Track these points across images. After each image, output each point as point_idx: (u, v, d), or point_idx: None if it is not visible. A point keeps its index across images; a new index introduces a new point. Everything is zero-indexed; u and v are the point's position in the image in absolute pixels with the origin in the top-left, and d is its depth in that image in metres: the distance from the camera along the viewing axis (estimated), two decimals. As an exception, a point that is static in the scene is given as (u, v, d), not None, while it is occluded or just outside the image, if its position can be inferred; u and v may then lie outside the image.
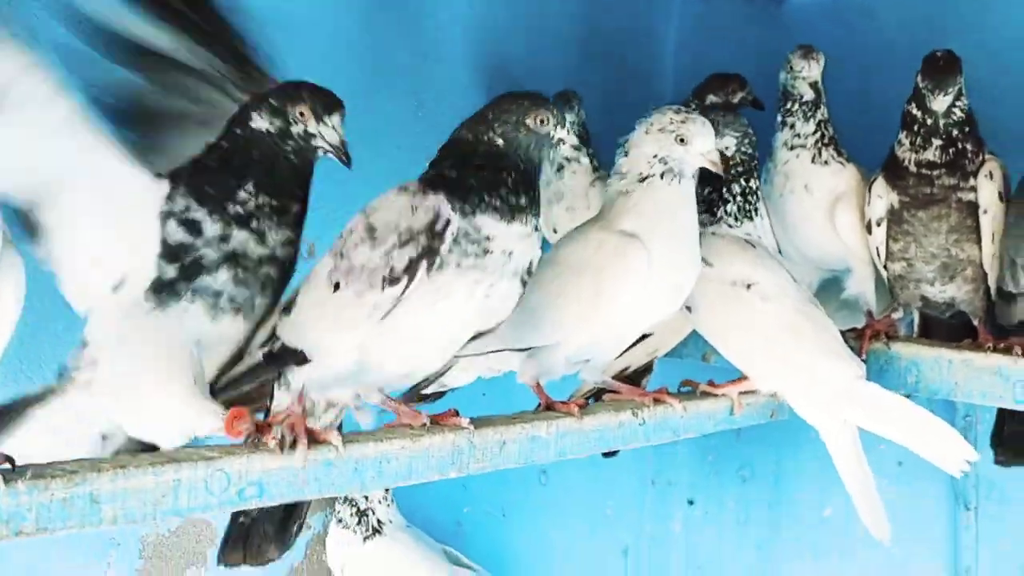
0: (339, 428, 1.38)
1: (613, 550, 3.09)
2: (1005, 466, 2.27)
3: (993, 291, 1.97)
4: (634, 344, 2.09)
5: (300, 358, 1.33)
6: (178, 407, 1.22)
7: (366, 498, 2.17)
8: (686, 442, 3.07)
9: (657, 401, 1.68)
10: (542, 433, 1.48)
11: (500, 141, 1.33)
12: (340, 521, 2.17)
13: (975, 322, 1.99)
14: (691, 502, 3.08)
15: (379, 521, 2.16)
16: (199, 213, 1.25)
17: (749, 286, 1.78)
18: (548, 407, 1.55)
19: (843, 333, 1.89)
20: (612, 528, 3.08)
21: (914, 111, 1.93)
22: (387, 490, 2.19)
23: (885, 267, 2.04)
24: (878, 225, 1.99)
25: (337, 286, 1.29)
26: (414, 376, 1.46)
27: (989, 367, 1.83)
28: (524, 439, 1.46)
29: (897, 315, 2.05)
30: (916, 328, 2.12)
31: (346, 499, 2.16)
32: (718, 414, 1.80)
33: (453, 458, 1.35)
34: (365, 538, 2.14)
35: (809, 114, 2.06)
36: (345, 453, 1.23)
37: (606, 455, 2.20)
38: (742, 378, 1.85)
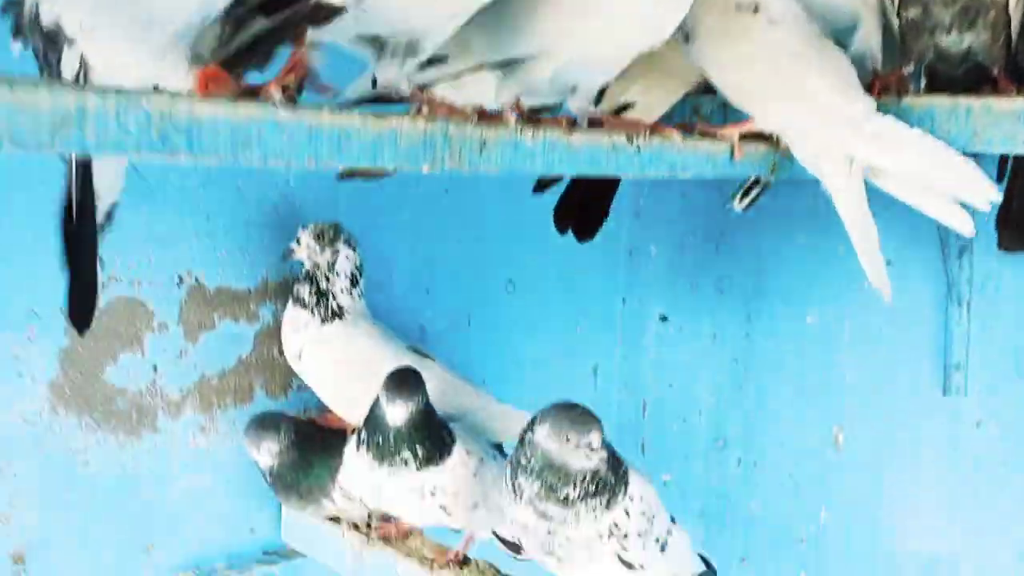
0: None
1: (583, 368, 2.95)
2: (1010, 251, 2.13)
3: (1015, 39, 1.78)
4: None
5: None
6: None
7: (327, 278, 1.97)
8: (660, 256, 2.92)
9: (653, 132, 1.48)
10: (527, 140, 1.27)
11: None
12: (298, 301, 1.97)
13: (994, 71, 1.80)
14: (664, 318, 2.93)
15: (340, 307, 1.97)
16: None
17: (756, 8, 1.57)
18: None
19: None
20: (582, 345, 2.93)
21: None
22: (353, 280, 1.99)
23: (898, 14, 1.83)
24: (893, -36, 1.78)
25: None
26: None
27: (1013, 111, 1.65)
28: (507, 143, 1.25)
29: (907, 69, 1.85)
30: (923, 87, 1.92)
31: (307, 276, 1.96)
32: (717, 157, 1.60)
33: (425, 149, 1.14)
34: (323, 320, 1.95)
35: None
36: (294, 116, 1.01)
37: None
38: (744, 121, 1.66)
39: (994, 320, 2.27)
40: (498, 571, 1.90)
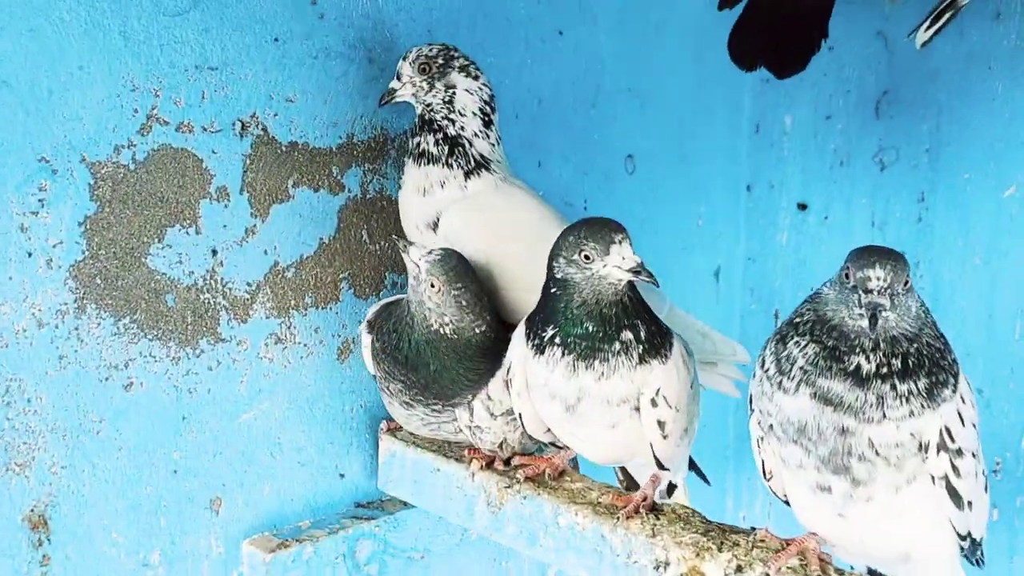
0: None
1: (703, 270, 2.42)
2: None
3: None
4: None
5: None
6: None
7: (451, 120, 1.42)
8: (798, 128, 2.38)
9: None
10: None
11: None
12: (423, 156, 1.42)
13: None
14: (803, 206, 2.39)
15: (481, 155, 1.42)
16: None
17: None
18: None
19: None
20: (702, 243, 2.39)
21: None
22: (486, 118, 1.45)
23: None
24: None
25: None
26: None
27: None
28: None
29: None
30: None
31: (425, 123, 1.42)
32: None
33: None
34: (467, 173, 1.40)
35: None
36: None
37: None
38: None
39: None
40: (706, 518, 1.37)
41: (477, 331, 1.39)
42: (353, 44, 1.54)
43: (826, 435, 1.13)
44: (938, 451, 1.13)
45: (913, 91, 2.19)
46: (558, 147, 1.96)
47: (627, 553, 1.34)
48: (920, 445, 1.12)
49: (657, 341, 1.29)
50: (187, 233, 1.37)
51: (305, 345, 1.54)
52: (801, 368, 1.14)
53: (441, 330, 1.39)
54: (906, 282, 1.11)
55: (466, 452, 1.52)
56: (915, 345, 1.11)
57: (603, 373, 1.27)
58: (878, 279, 1.09)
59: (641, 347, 1.27)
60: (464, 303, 1.38)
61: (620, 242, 1.23)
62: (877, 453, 1.12)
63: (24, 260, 1.22)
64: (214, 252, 1.41)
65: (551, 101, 1.93)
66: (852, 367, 1.11)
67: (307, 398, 1.55)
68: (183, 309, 1.38)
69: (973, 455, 1.16)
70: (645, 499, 1.38)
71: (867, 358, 1.11)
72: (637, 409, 1.30)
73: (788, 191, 2.40)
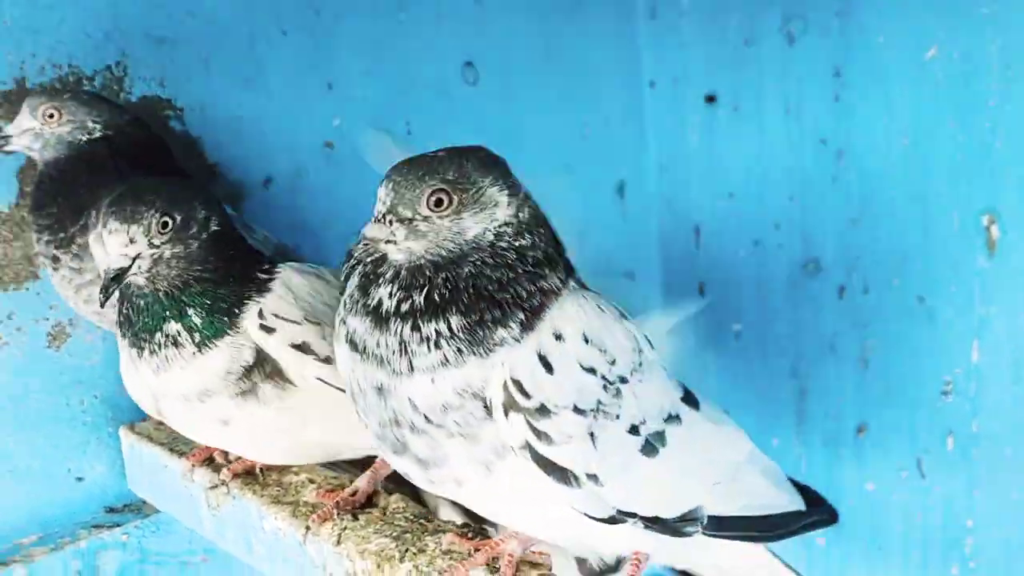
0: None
1: (603, 188, 2.07)
2: None
3: None
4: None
5: None
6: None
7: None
8: (694, 9, 1.99)
9: None
10: None
11: None
12: None
13: None
14: (711, 98, 2.01)
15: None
16: None
17: None
18: None
19: None
20: (597, 156, 2.04)
21: None
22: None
23: None
24: None
25: None
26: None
27: None
28: None
29: None
30: None
31: None
32: None
33: None
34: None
35: None
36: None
37: None
38: None
39: None
40: (423, 514, 1.08)
41: None
42: (2, -33, 1.26)
43: (368, 397, 0.88)
44: (506, 412, 0.84)
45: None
46: (357, 63, 1.65)
47: (323, 565, 1.07)
48: (485, 404, 0.84)
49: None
50: None
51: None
52: (344, 304, 0.89)
53: None
54: (440, 201, 0.86)
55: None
56: (448, 274, 0.87)
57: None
58: (381, 202, 0.82)
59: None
60: None
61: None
62: (428, 420, 0.85)
63: None
64: None
65: (335, 11, 1.61)
66: (373, 302, 0.87)
67: (9, 397, 1.32)
68: None
69: (583, 410, 0.86)
70: (355, 494, 1.10)
71: (389, 292, 0.87)
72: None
73: (694, 82, 2.02)
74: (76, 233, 1.17)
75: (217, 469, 1.22)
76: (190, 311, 1.01)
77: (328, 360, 1.02)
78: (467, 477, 0.88)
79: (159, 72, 1.42)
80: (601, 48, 2.02)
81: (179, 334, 1.02)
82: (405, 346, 0.86)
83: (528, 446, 0.85)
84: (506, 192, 0.89)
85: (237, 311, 1.02)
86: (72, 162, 1.19)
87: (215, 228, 1.03)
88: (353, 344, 0.89)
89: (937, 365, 1.72)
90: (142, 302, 1.02)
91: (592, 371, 0.87)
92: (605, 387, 0.88)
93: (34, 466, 1.34)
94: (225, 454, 1.23)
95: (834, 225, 1.84)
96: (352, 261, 0.92)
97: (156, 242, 0.99)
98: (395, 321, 0.86)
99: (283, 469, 1.20)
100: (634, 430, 0.90)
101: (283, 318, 1.03)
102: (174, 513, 1.31)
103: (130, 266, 0.98)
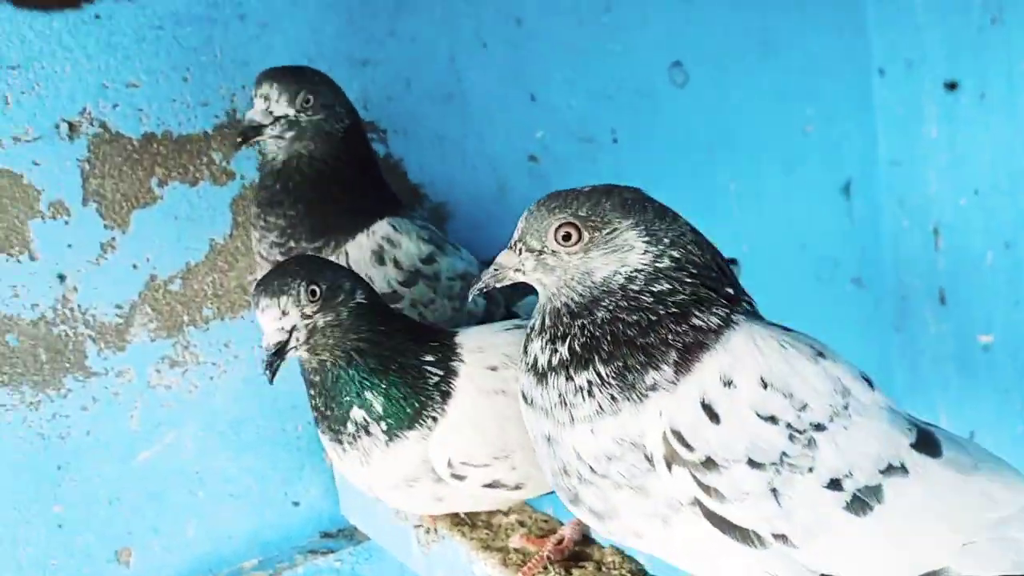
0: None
1: (826, 186, 1.91)
2: None
3: None
4: None
5: None
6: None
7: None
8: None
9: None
10: None
11: None
12: None
13: None
14: (952, 85, 1.81)
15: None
16: None
17: None
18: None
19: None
20: (820, 152, 1.89)
21: None
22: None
23: None
24: None
25: None
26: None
27: None
28: None
29: None
30: None
31: None
32: None
33: None
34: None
35: None
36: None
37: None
38: None
39: None
40: (641, 569, 1.00)
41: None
42: (213, 2, 1.28)
43: (541, 447, 0.86)
44: (668, 465, 0.76)
45: None
46: (558, 72, 1.58)
47: (533, 618, 1.01)
48: (647, 456, 0.79)
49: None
50: (19, 262, 1.20)
51: (214, 364, 1.33)
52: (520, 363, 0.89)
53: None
54: (568, 235, 0.83)
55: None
56: (583, 321, 0.83)
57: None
58: (517, 229, 0.85)
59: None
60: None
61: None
62: (593, 471, 0.81)
63: None
64: (61, 278, 1.23)
65: (537, 18, 1.55)
66: (531, 359, 0.86)
67: (228, 422, 1.34)
68: (32, 347, 1.21)
69: (760, 463, 0.76)
70: (561, 543, 1.03)
71: (540, 347, 0.85)
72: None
73: (931, 68, 1.82)
74: (309, 251, 1.16)
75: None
76: (368, 395, 0.98)
77: (519, 487, 1.00)
78: (644, 530, 0.81)
79: (362, 95, 1.41)
80: (824, 35, 1.86)
81: (367, 423, 0.99)
82: (563, 397, 0.82)
83: (698, 502, 0.77)
84: (645, 238, 0.83)
85: (417, 404, 0.99)
86: (330, 158, 1.17)
87: (361, 299, 0.99)
88: (524, 398, 0.87)
89: None
90: (320, 383, 1.00)
91: (772, 419, 0.77)
92: (792, 437, 0.77)
93: (254, 490, 1.37)
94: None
95: (1105, 225, 1.60)
96: (480, 285, 0.89)
97: (308, 311, 0.97)
98: (552, 375, 0.83)
99: (495, 511, 1.15)
100: (835, 485, 0.78)
101: (471, 464, 0.99)
102: (385, 545, 1.30)
103: (288, 339, 0.96)
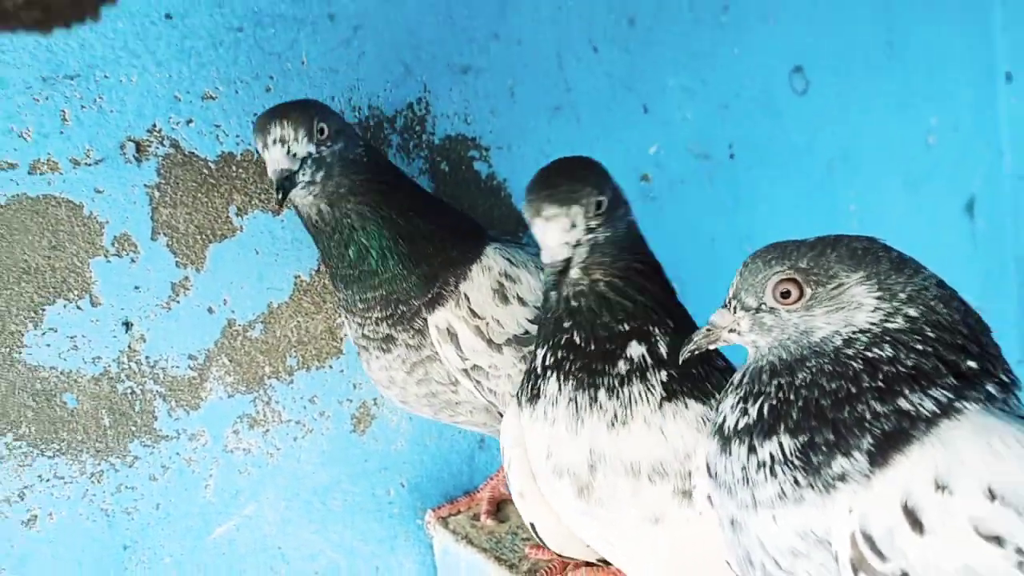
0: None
1: (950, 205, 1.73)
2: None
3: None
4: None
5: None
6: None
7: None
8: None
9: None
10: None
11: None
12: None
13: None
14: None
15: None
16: None
17: None
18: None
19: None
20: (942, 166, 1.71)
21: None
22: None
23: None
24: None
25: None
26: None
27: None
28: None
29: None
30: None
31: None
32: None
33: None
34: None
35: None
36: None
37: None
38: None
39: None
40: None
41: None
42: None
43: (725, 530, 0.74)
44: (855, 572, 0.64)
45: None
46: (673, 79, 1.39)
47: None
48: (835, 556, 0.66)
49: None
50: (79, 308, 1.01)
51: (298, 422, 1.14)
52: None
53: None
54: (787, 292, 0.71)
55: (527, 551, 1.07)
56: (780, 380, 0.71)
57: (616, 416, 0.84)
58: (731, 285, 0.75)
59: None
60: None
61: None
62: (779, 566, 0.69)
63: None
64: (127, 325, 1.04)
65: (651, 17, 1.36)
66: (720, 418, 0.74)
67: (314, 489, 1.15)
68: (94, 409, 1.02)
69: None
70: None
71: (731, 404, 0.73)
72: (687, 494, 0.82)
73: None
74: (422, 307, 0.98)
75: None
76: (653, 329, 0.84)
77: None
78: None
79: (463, 107, 1.22)
80: (949, 36, 1.68)
81: (646, 364, 0.83)
82: (746, 472, 0.70)
83: None
84: (876, 294, 0.70)
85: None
86: (375, 190, 0.98)
87: (631, 218, 0.89)
88: (708, 470, 0.74)
89: None
90: (585, 310, 0.85)
91: (998, 541, 0.62)
92: (1021, 564, 0.61)
93: (342, 566, 1.18)
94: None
95: None
96: (692, 346, 0.77)
97: (593, 224, 0.85)
98: (735, 441, 0.71)
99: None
100: None
101: None
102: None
103: (570, 258, 0.84)
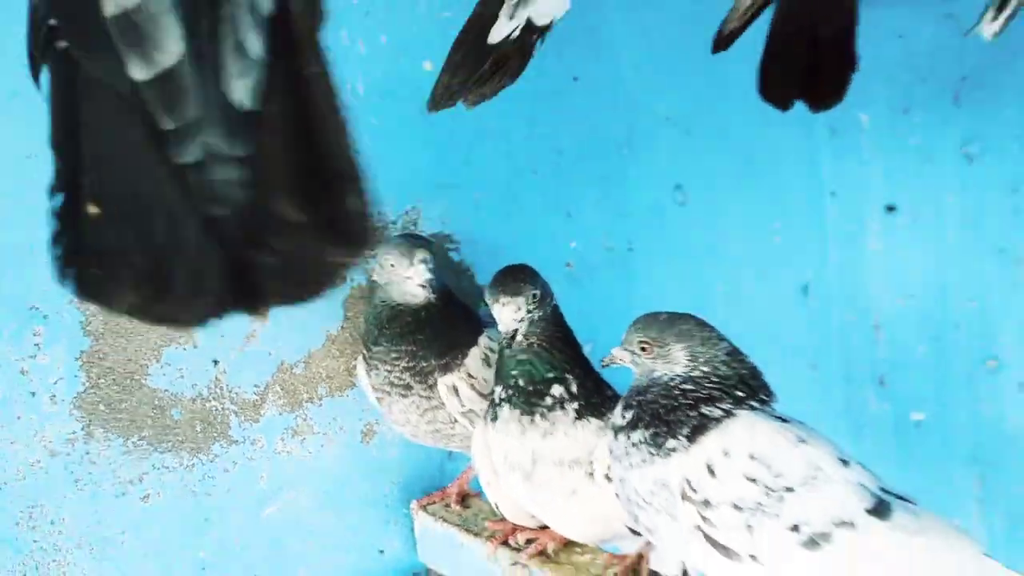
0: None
1: (788, 287, 2.28)
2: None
3: None
4: None
5: None
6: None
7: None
8: (874, 126, 2.20)
9: None
10: None
11: None
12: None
13: None
14: (891, 208, 2.21)
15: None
16: None
17: None
18: None
19: None
20: (784, 259, 2.26)
21: None
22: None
23: None
24: None
25: None
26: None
27: None
28: None
29: None
30: None
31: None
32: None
33: None
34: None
35: None
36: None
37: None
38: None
39: None
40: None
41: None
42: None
43: (617, 485, 1.24)
44: (682, 499, 1.15)
45: (994, 74, 1.98)
46: (589, 193, 1.92)
47: (620, 645, 1.31)
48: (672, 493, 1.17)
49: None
50: (184, 349, 1.47)
51: (324, 434, 1.60)
52: None
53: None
54: (644, 347, 1.22)
55: (487, 524, 1.54)
56: (640, 398, 1.21)
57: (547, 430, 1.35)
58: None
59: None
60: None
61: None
62: (646, 501, 1.18)
63: (28, 399, 1.36)
64: (215, 362, 1.50)
65: (573, 150, 1.89)
66: (614, 420, 1.24)
67: (333, 483, 1.62)
68: (191, 420, 1.48)
69: (740, 508, 1.13)
70: (641, 558, 1.35)
71: (620, 409, 1.23)
72: (592, 475, 1.31)
73: (874, 193, 2.23)
74: (435, 368, 1.46)
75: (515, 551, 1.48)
76: (568, 376, 1.33)
77: None
78: (673, 542, 1.18)
79: (442, 212, 1.72)
80: (788, 163, 2.25)
81: (564, 398, 1.33)
82: (626, 449, 1.20)
83: (699, 528, 1.14)
84: (688, 356, 1.21)
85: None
86: (436, 305, 1.48)
87: (554, 303, 1.39)
88: (610, 450, 1.24)
89: None
90: (526, 363, 1.33)
91: (754, 480, 1.14)
92: (767, 493, 1.13)
93: (351, 540, 1.63)
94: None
95: (1015, 327, 2.01)
96: (606, 360, 1.28)
97: (531, 308, 1.33)
98: (620, 433, 1.21)
99: (571, 550, 1.45)
100: (795, 528, 1.13)
101: None
102: (469, 583, 1.58)
103: (517, 329, 1.32)
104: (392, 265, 1.44)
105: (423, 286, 1.43)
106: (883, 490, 1.17)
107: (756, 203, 2.18)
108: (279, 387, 1.55)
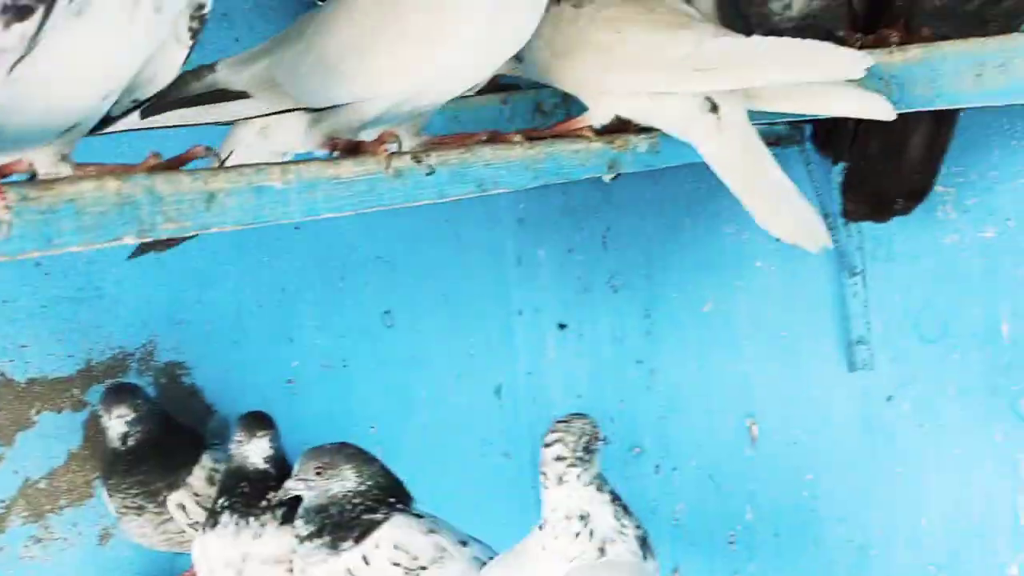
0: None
1: (484, 390, 2.75)
2: (855, 220, 2.00)
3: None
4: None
5: None
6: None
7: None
8: (548, 261, 2.73)
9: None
10: (275, 183, 1.07)
11: None
12: None
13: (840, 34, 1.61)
14: (563, 325, 2.74)
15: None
16: None
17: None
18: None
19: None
20: (480, 367, 2.73)
21: None
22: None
23: (726, -21, 1.66)
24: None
25: None
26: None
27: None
28: (245, 190, 1.04)
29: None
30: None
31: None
32: (540, 163, 1.40)
33: (124, 214, 0.93)
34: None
35: None
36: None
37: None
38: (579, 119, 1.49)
39: (890, 287, 2.12)
40: None
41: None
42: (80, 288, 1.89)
43: None
44: None
45: (628, 225, 2.56)
46: (309, 321, 2.30)
47: None
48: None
49: None
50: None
51: (65, 539, 1.86)
52: None
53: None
54: (319, 471, 1.57)
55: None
56: (320, 512, 1.58)
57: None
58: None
59: None
60: None
61: None
62: None
63: None
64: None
65: (295, 284, 2.27)
66: (299, 530, 1.62)
67: (74, 581, 1.88)
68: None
69: None
70: None
71: (302, 521, 1.60)
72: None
73: (550, 314, 2.75)
74: (163, 488, 1.77)
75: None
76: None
77: None
78: None
79: (177, 343, 2.04)
80: (481, 286, 2.74)
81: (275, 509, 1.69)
82: (311, 551, 1.59)
83: None
84: (354, 475, 1.58)
85: None
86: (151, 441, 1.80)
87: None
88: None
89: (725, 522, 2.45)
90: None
91: (397, 564, 1.57)
92: (407, 573, 1.56)
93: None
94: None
95: (650, 420, 2.57)
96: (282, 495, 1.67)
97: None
98: (307, 540, 1.59)
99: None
100: None
101: None
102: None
103: None
104: (100, 415, 1.79)
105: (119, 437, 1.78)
106: (491, 557, 1.61)
107: (455, 321, 2.64)
108: (24, 501, 1.81)
